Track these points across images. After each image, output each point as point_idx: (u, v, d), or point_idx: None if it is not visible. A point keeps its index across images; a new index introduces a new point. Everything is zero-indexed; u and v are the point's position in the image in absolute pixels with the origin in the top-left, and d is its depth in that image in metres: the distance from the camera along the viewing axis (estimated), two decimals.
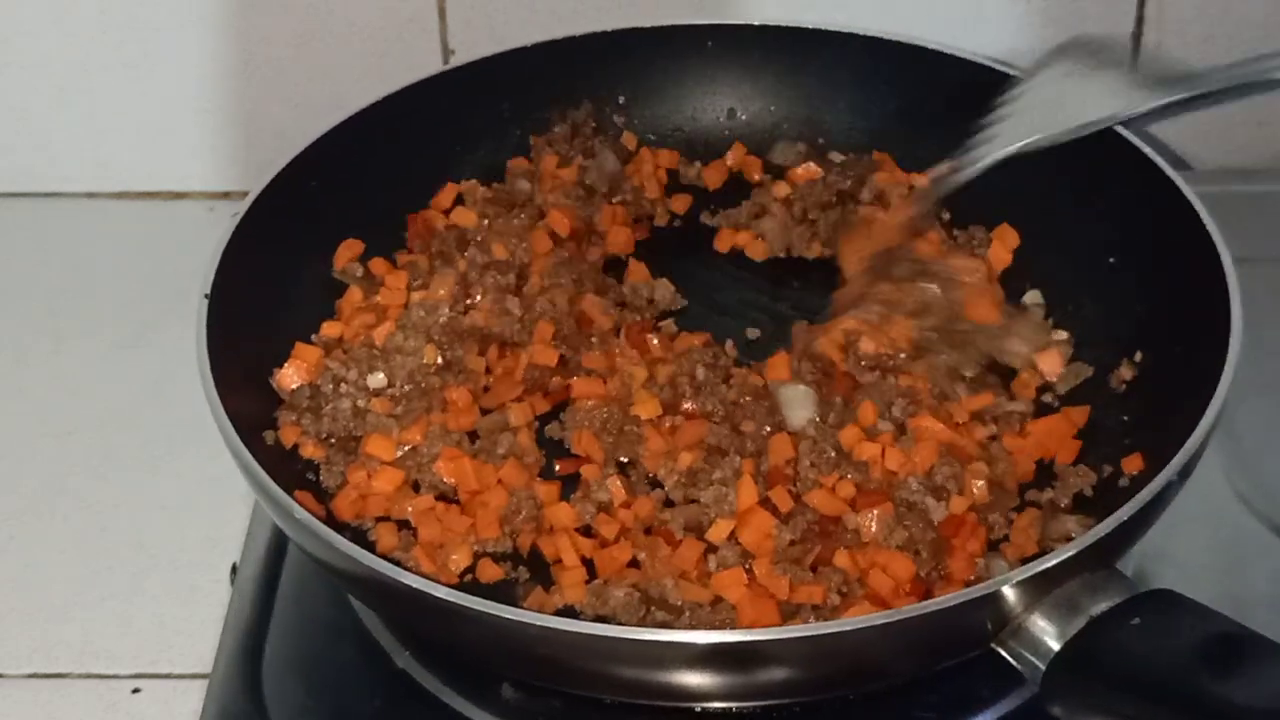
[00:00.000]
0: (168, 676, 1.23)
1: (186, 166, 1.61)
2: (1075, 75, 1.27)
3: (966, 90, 1.37)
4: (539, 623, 1.01)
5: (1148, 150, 1.29)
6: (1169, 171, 1.27)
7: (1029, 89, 1.28)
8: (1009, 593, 1.02)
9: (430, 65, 1.54)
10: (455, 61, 1.54)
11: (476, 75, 1.42)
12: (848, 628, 1.01)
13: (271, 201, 1.28)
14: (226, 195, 1.62)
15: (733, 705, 1.09)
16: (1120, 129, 1.31)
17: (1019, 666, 1.03)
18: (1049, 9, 1.52)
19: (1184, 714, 0.95)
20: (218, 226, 1.25)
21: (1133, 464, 1.19)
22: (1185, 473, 1.08)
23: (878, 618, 1.01)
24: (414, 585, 1.03)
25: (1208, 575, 1.21)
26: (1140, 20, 1.52)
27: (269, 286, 1.27)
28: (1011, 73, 1.35)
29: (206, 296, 1.20)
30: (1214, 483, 1.26)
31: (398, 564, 1.11)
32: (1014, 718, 1.13)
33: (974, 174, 1.27)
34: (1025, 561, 1.12)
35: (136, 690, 1.22)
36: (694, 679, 1.03)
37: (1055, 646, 1.01)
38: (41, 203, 1.62)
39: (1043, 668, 1.01)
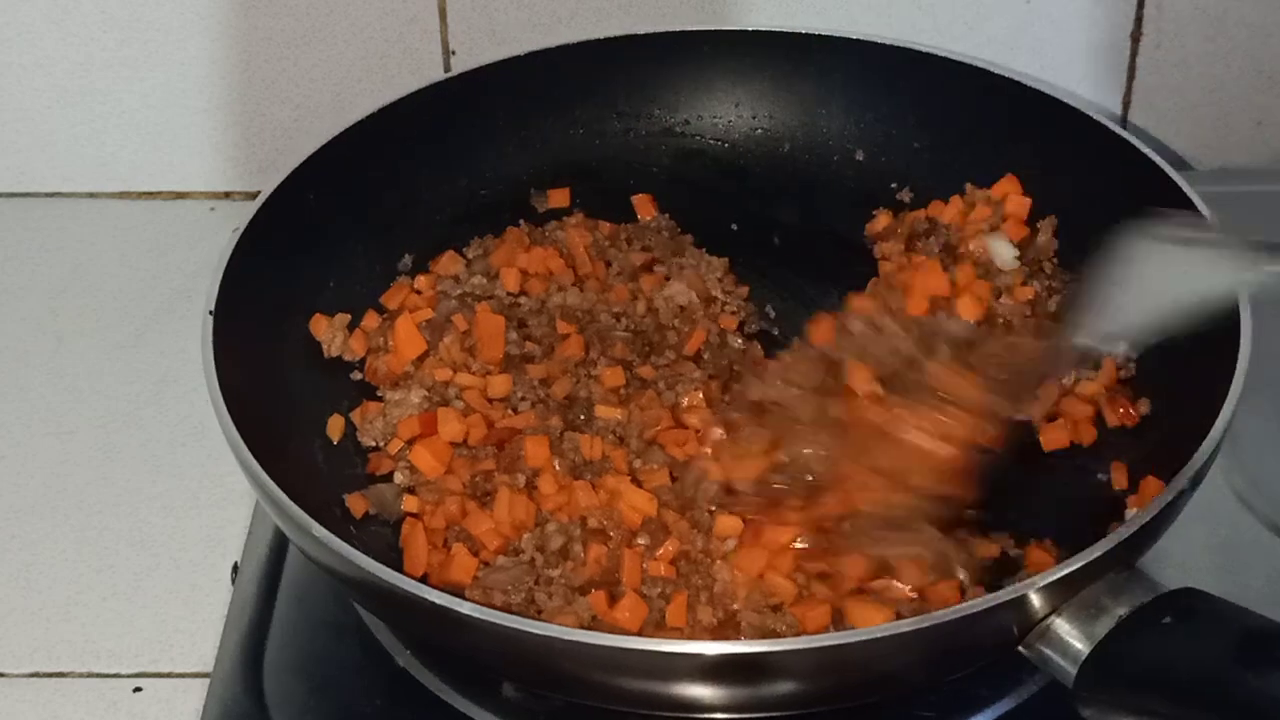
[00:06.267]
0: (169, 675, 1.23)
1: (188, 166, 1.61)
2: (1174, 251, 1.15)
3: (965, 94, 1.37)
4: (540, 631, 1.01)
5: (1148, 150, 1.29)
6: (1169, 171, 1.27)
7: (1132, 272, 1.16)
8: (1034, 597, 1.01)
9: (431, 66, 1.54)
10: (456, 62, 1.54)
11: (478, 82, 1.41)
12: (864, 637, 1.00)
13: (272, 212, 1.27)
14: (228, 195, 1.61)
15: (742, 717, 1.08)
16: (1119, 129, 1.32)
17: (1048, 670, 1.02)
18: (1049, 9, 1.52)
19: (1221, 711, 0.94)
20: (219, 226, 1.25)
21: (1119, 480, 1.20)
22: (1197, 479, 1.08)
23: (898, 626, 0.99)
24: (414, 591, 1.03)
25: (1207, 575, 1.21)
26: (1140, 20, 1.52)
27: (272, 295, 1.27)
28: (1009, 75, 1.35)
29: (211, 313, 1.18)
30: (1213, 482, 1.24)
31: None
32: (1013, 717, 1.13)
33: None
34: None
35: (138, 689, 1.22)
36: (703, 691, 1.02)
37: (1084, 649, 1.00)
38: (42, 203, 1.62)
39: (1073, 671, 1.01)
